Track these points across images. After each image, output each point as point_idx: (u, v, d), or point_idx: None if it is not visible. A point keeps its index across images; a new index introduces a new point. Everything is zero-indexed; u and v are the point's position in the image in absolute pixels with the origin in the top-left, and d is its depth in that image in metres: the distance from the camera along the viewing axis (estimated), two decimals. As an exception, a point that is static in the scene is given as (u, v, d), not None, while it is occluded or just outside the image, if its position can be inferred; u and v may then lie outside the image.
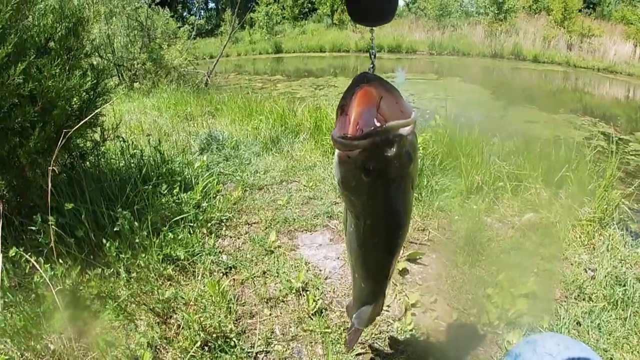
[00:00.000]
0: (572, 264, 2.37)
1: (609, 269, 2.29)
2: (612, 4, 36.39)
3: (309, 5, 28.82)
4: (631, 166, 5.07)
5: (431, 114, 5.80)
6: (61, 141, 1.97)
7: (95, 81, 2.72)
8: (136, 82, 9.05)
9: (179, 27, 11.04)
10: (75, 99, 2.59)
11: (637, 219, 3.11)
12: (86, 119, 2.31)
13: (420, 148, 3.25)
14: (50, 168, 1.75)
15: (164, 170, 2.66)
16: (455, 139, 3.33)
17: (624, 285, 2.17)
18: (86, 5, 2.84)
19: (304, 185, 3.15)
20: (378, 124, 0.70)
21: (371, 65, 0.82)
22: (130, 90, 8.73)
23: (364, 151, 0.70)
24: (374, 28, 0.81)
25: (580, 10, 26.36)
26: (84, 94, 2.68)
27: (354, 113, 0.72)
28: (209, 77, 9.93)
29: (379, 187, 0.77)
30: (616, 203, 2.85)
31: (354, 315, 1.30)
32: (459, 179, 3.02)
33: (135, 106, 6.52)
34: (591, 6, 39.32)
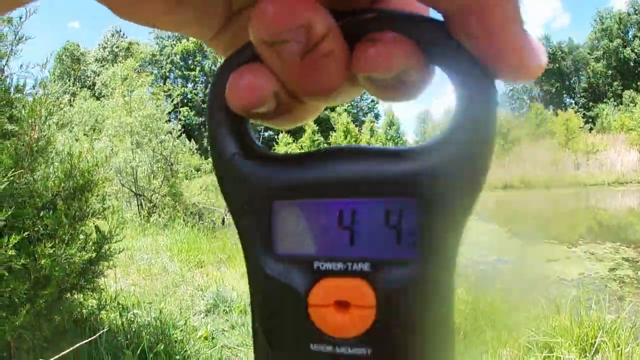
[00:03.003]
0: None
1: None
2: (610, 114, 37.96)
3: (327, 144, 30.21)
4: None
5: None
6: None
7: (97, 248, 2.69)
8: (154, 214, 9.20)
9: (202, 162, 11.58)
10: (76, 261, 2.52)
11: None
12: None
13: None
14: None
15: (162, 348, 2.46)
16: (478, 308, 3.10)
17: None
18: (95, 168, 2.90)
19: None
20: None
21: None
22: (147, 222, 8.83)
23: None
24: None
25: (581, 128, 27.50)
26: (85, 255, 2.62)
27: None
28: (225, 215, 10.08)
29: None
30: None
31: None
32: (484, 355, 2.74)
33: (149, 244, 6.51)
34: (590, 120, 41.00)
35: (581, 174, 19.01)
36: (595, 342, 2.73)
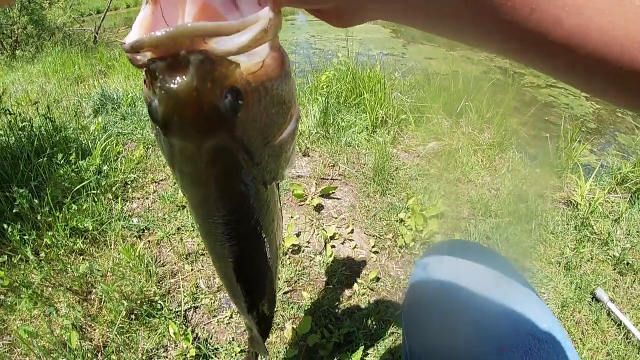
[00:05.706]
0: (476, 186, 2.52)
1: (511, 188, 2.46)
2: None
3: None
4: (527, 97, 5.42)
5: (333, 53, 5.81)
6: None
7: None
8: (19, 49, 8.11)
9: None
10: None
11: (534, 144, 3.27)
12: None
13: (325, 87, 3.25)
14: None
15: (58, 139, 2.44)
16: (358, 76, 3.34)
17: (527, 202, 2.34)
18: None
19: (208, 133, 3.00)
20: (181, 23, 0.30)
21: None
22: (13, 59, 7.84)
23: (147, 73, 0.31)
24: None
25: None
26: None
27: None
28: (97, 34, 9.12)
29: (170, 147, 0.36)
30: (514, 129, 3.04)
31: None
32: (364, 115, 3.08)
33: (20, 76, 5.89)
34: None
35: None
36: (460, 105, 3.17)
